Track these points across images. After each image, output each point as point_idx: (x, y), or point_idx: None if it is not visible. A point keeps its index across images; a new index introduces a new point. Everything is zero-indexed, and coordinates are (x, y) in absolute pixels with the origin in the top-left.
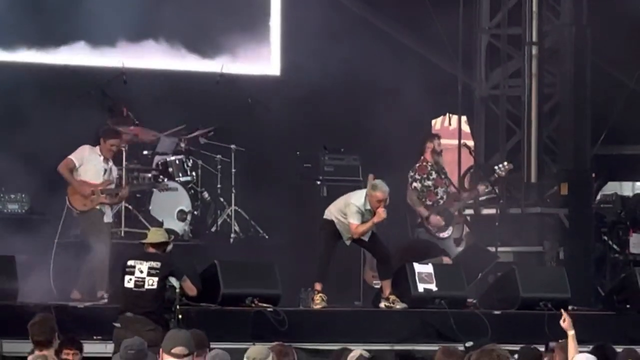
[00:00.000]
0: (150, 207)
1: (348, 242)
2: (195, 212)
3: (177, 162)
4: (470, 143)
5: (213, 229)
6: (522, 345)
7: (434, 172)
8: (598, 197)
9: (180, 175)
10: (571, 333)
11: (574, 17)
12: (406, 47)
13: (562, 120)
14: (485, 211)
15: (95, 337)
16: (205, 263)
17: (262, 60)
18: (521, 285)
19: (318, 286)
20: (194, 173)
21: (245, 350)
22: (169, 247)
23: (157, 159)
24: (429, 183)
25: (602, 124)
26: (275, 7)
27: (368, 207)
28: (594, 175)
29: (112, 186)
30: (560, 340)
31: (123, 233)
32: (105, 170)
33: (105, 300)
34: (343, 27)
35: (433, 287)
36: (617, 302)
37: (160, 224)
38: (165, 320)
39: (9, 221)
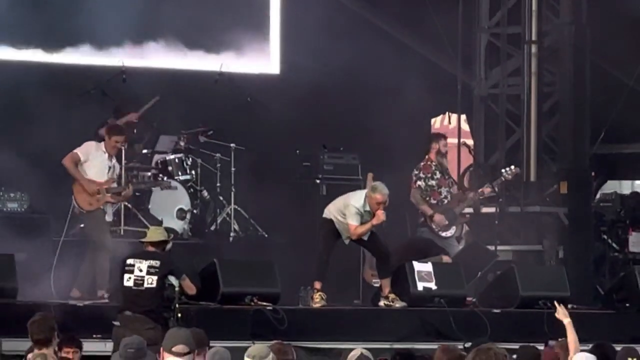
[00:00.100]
0: (149, 206)
1: (347, 241)
2: (195, 211)
3: (176, 160)
4: (470, 142)
5: (212, 228)
6: (521, 344)
7: (438, 172)
8: (597, 196)
9: (180, 174)
10: (567, 321)
11: (573, 16)
12: (406, 46)
13: (562, 119)
14: (485, 210)
15: (94, 336)
16: (205, 262)
17: (261, 58)
18: (520, 283)
19: (317, 285)
20: (193, 172)
21: (244, 349)
22: (169, 246)
23: (157, 157)
24: (433, 182)
25: (601, 123)
26: (274, 5)
27: (367, 208)
28: (593, 174)
29: (115, 184)
30: (560, 339)
31: (122, 231)
32: (109, 167)
33: (106, 300)
34: (342, 26)
35: (432, 285)
36: (616, 301)
37: (159, 223)
38: (164, 318)
39: (9, 220)
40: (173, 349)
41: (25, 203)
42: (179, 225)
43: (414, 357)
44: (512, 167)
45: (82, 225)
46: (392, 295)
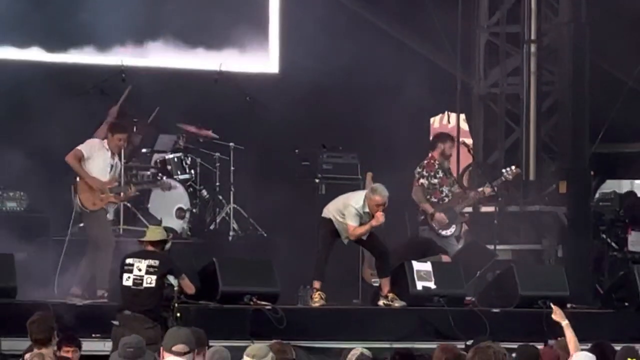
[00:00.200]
0: (148, 205)
1: (346, 241)
2: (194, 210)
3: (175, 160)
4: (469, 141)
5: (212, 227)
6: (520, 343)
7: (440, 171)
8: (596, 195)
9: (179, 173)
10: (565, 323)
11: (572, 15)
12: (405, 45)
13: (561, 118)
14: (484, 209)
15: (93, 335)
16: (204, 261)
17: (261, 58)
18: (520, 283)
19: (317, 284)
20: (192, 171)
21: (243, 348)
22: (168, 245)
23: (156, 156)
24: (435, 181)
25: (600, 122)
26: (274, 5)
27: (367, 209)
28: (592, 173)
29: (116, 184)
30: (559, 338)
31: (122, 231)
32: (112, 165)
33: (105, 300)
34: (342, 26)
35: (432, 285)
36: (615, 300)
37: (158, 222)
38: (163, 318)
39: (8, 219)
40: (173, 349)
41: (25, 202)
42: (178, 225)
43: (414, 357)
44: (513, 167)
45: (81, 225)
46: (391, 295)
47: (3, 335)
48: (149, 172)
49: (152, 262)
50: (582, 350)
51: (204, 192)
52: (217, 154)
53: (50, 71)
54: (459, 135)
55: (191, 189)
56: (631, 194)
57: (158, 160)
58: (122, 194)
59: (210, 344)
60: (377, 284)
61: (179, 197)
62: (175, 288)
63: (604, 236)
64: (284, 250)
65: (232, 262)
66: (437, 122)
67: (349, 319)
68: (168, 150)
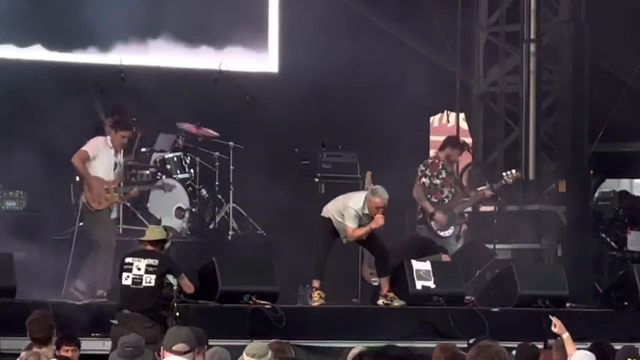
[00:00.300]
0: (148, 205)
1: (345, 241)
2: (193, 210)
3: (175, 159)
4: (469, 140)
5: (211, 226)
6: (520, 343)
7: (443, 172)
8: (596, 195)
9: (178, 172)
10: (565, 336)
11: (572, 14)
12: (404, 45)
13: (560, 117)
14: (484, 208)
15: (93, 334)
16: (204, 260)
17: (261, 57)
18: (519, 282)
19: (316, 283)
20: (192, 170)
21: (242, 347)
22: (167, 245)
23: (155, 156)
24: (438, 182)
25: (600, 121)
26: (274, 4)
27: (366, 211)
28: (591, 172)
29: (120, 182)
30: (558, 338)
31: (121, 230)
32: (116, 164)
33: (105, 299)
34: (341, 25)
35: (431, 284)
36: (615, 300)
37: (158, 222)
38: (162, 317)
39: (7, 218)
40: (173, 348)
41: (24, 201)
42: (177, 224)
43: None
44: (513, 171)
45: (81, 224)
46: (390, 294)
47: (2, 335)
48: (148, 172)
49: (151, 261)
50: (582, 349)
51: (204, 192)
52: (217, 153)
53: (52, 71)
54: (458, 135)
55: (190, 189)
56: (625, 193)
57: (157, 160)
58: (126, 193)
59: (210, 343)
60: (376, 283)
61: (179, 196)
62: (175, 287)
63: (604, 235)
64: (283, 250)
65: (231, 261)
66: (437, 122)
67: (349, 318)
68: (167, 150)
